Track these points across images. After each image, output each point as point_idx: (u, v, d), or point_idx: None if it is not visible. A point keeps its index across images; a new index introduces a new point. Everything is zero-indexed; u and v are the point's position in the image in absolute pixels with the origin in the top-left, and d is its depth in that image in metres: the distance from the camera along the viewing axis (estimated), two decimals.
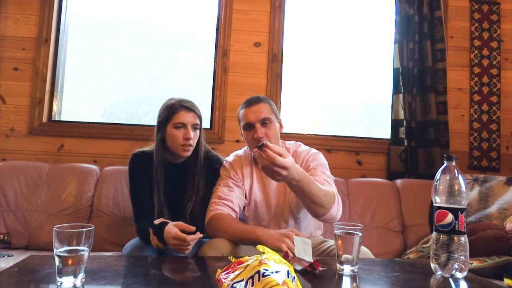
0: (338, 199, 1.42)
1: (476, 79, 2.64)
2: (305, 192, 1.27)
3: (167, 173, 1.63)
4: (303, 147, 1.64)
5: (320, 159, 1.58)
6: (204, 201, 1.58)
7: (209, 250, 1.32)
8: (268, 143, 1.16)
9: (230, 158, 1.66)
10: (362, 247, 1.33)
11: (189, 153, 1.60)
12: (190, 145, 1.59)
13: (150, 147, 1.71)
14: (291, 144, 1.66)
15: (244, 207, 1.60)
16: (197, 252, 1.38)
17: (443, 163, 1.08)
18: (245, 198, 1.58)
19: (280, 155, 1.15)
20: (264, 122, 1.50)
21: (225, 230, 1.39)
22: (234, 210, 1.50)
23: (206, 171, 1.65)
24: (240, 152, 1.68)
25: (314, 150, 1.62)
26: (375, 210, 2.23)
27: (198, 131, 1.63)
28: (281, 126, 1.61)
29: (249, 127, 1.52)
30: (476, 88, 2.63)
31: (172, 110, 1.59)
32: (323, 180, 1.47)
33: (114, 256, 1.52)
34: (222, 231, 1.40)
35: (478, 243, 1.72)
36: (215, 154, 1.74)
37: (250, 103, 1.53)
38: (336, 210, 1.39)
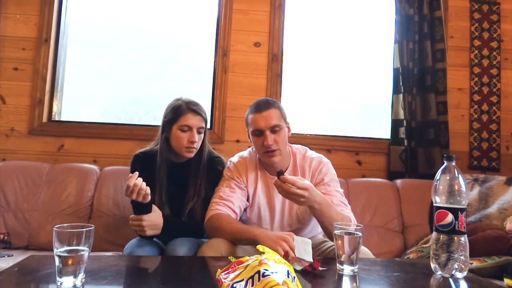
0: (354, 223, 1.42)
1: (476, 79, 2.64)
2: (325, 216, 1.33)
3: (170, 172, 1.63)
4: (310, 152, 1.63)
5: (332, 171, 1.58)
6: (205, 201, 1.58)
7: (208, 250, 1.32)
8: (286, 175, 1.24)
9: (234, 159, 1.64)
10: (363, 247, 1.33)
11: (192, 155, 1.61)
12: (194, 148, 1.60)
13: (150, 146, 1.72)
14: (298, 148, 1.64)
15: (246, 209, 1.59)
16: (196, 252, 1.38)
17: (443, 163, 1.08)
18: (248, 200, 1.57)
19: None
20: (274, 129, 1.48)
21: (224, 230, 1.40)
22: (234, 211, 1.49)
23: (208, 172, 1.65)
24: (245, 153, 1.66)
25: (324, 159, 1.60)
26: (375, 210, 2.23)
27: (202, 134, 1.64)
28: (289, 130, 1.59)
29: (258, 133, 1.50)
30: (476, 88, 2.63)
31: (179, 112, 1.59)
32: (340, 202, 1.48)
33: (114, 256, 1.52)
34: (221, 230, 1.40)
35: (478, 243, 1.72)
36: (217, 155, 1.75)
37: (260, 108, 1.50)
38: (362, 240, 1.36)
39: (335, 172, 1.60)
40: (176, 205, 1.62)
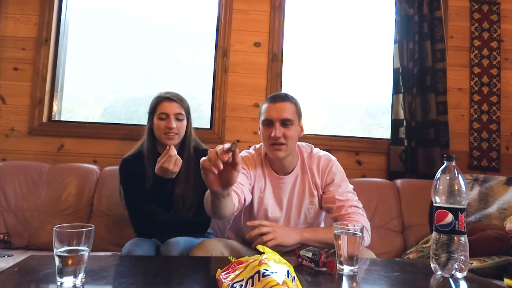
0: (366, 228, 1.42)
1: (476, 79, 2.64)
2: (320, 242, 1.37)
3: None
4: (316, 150, 1.60)
5: (340, 169, 1.56)
6: (195, 187, 1.62)
7: (199, 251, 1.32)
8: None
9: (242, 153, 1.59)
10: (366, 249, 1.33)
11: (173, 141, 1.65)
12: (174, 134, 1.65)
13: (135, 147, 1.78)
14: (304, 146, 1.61)
15: (253, 208, 1.55)
16: (188, 254, 1.39)
17: (443, 163, 1.08)
18: (252, 195, 1.53)
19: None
20: (285, 123, 1.44)
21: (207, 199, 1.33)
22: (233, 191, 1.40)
23: (197, 162, 1.65)
24: (250, 151, 1.61)
25: (332, 157, 1.58)
26: (375, 210, 2.22)
27: (183, 121, 1.69)
28: (301, 129, 1.54)
29: (268, 123, 1.46)
30: (476, 88, 2.63)
31: (157, 102, 1.69)
32: (353, 206, 1.46)
33: (114, 256, 1.53)
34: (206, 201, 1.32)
35: (478, 243, 1.72)
36: (205, 148, 1.79)
37: (276, 99, 1.47)
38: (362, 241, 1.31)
39: (342, 170, 1.57)
40: (167, 196, 1.63)
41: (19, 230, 2.05)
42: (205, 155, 1.69)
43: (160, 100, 1.68)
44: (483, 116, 2.61)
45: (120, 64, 2.80)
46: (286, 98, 1.49)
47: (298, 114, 1.51)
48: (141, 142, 1.77)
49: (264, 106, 1.49)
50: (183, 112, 1.68)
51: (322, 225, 1.64)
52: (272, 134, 1.42)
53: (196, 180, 1.62)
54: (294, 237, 1.34)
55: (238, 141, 1.16)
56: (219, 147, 0.99)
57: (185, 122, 1.70)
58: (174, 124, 1.64)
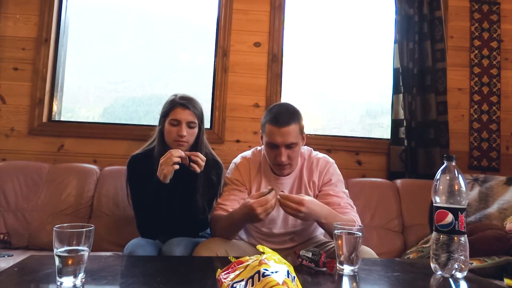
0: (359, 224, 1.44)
1: (476, 79, 2.64)
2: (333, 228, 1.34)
3: None
4: (315, 153, 1.64)
5: (337, 171, 1.60)
6: (203, 196, 1.61)
7: (203, 250, 1.34)
8: (284, 191, 1.35)
9: (237, 160, 1.65)
10: (367, 248, 1.34)
11: (183, 148, 1.60)
12: (185, 142, 1.61)
13: (144, 146, 1.75)
14: (304, 149, 1.63)
15: None
16: (192, 252, 1.39)
17: (443, 163, 1.08)
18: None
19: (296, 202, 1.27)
20: (290, 146, 1.45)
21: (222, 226, 1.44)
22: (228, 212, 1.50)
23: (205, 173, 1.64)
24: (248, 154, 1.65)
25: (330, 160, 1.61)
26: (375, 210, 2.23)
27: (195, 129, 1.65)
28: (303, 140, 1.54)
29: (272, 146, 1.47)
30: (476, 88, 2.63)
31: (170, 106, 1.64)
32: (346, 204, 1.49)
33: (114, 256, 1.53)
34: (220, 230, 1.45)
35: (478, 243, 1.72)
36: (217, 160, 1.76)
37: (280, 122, 1.43)
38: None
39: (340, 173, 1.61)
40: (171, 201, 1.62)
41: (19, 230, 2.05)
42: (214, 166, 1.70)
43: (173, 106, 1.62)
44: (483, 116, 2.61)
45: (120, 64, 2.80)
46: (290, 119, 1.45)
47: (301, 130, 1.51)
48: (150, 142, 1.74)
49: (268, 127, 1.47)
50: (196, 120, 1.63)
51: (319, 227, 1.63)
52: (278, 159, 1.46)
53: (204, 190, 1.62)
54: (317, 217, 1.33)
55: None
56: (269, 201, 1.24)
57: (196, 129, 1.65)
58: (185, 132, 1.59)
